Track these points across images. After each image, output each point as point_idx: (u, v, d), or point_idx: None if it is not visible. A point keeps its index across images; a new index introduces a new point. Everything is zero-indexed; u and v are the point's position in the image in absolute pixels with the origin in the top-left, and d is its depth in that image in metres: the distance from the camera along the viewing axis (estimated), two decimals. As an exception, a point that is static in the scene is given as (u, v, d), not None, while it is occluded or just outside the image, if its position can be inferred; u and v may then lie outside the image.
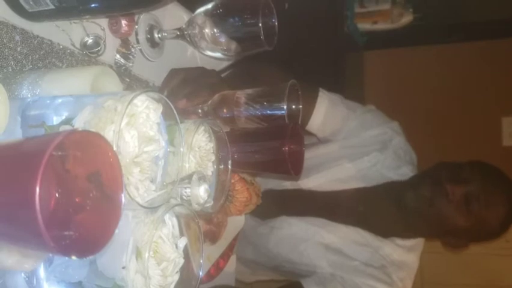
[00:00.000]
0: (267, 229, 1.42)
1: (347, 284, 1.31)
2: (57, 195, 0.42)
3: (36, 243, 0.38)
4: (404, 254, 1.37)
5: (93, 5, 0.68)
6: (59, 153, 0.39)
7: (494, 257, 2.54)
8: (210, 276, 1.15)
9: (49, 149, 0.36)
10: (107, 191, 0.47)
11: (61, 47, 0.78)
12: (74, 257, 0.39)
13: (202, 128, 0.71)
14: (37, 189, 0.36)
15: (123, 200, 0.42)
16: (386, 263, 1.35)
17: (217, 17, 0.92)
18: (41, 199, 0.37)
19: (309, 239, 1.38)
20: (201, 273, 0.66)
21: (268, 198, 1.26)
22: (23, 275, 0.58)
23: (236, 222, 1.22)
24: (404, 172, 1.38)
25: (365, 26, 2.56)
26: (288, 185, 1.44)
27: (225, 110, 0.92)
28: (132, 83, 0.92)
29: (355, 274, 1.32)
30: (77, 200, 0.46)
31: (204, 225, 1.08)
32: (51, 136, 0.37)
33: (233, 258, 1.28)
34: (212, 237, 1.11)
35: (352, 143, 1.40)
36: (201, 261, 0.68)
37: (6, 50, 0.70)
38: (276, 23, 0.92)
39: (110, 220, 0.43)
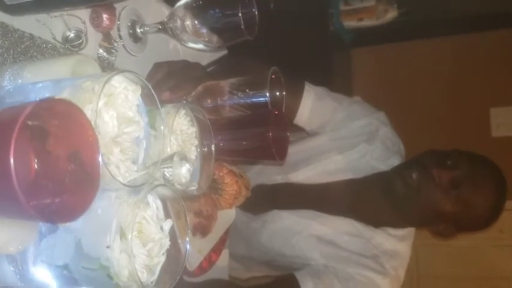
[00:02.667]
0: (259, 223, 1.43)
1: (340, 275, 1.31)
2: (36, 167, 0.43)
3: (19, 210, 0.38)
4: (396, 243, 1.37)
5: (71, -4, 0.69)
6: (36, 122, 0.40)
7: (488, 248, 2.55)
8: (202, 269, 1.16)
9: (23, 115, 0.37)
10: (87, 167, 0.48)
11: (42, 40, 0.79)
12: (57, 223, 0.40)
13: (183, 111, 0.72)
14: (12, 148, 0.36)
15: (100, 163, 0.43)
16: (378, 253, 1.36)
17: (197, 9, 0.93)
18: (19, 168, 0.38)
19: (301, 232, 1.38)
20: (187, 254, 0.67)
21: (259, 193, 1.27)
22: (9, 259, 0.58)
23: (227, 216, 1.23)
24: (393, 163, 1.39)
25: (350, 23, 2.58)
26: (278, 179, 1.45)
27: (209, 100, 0.93)
28: (116, 76, 0.93)
29: (348, 264, 1.33)
30: (57, 177, 0.47)
31: (193, 218, 1.09)
32: (26, 103, 0.38)
33: (225, 253, 1.29)
34: (202, 230, 1.11)
35: (340, 135, 1.41)
36: (188, 246, 0.69)
37: (-13, 43, 0.71)
38: (256, 13, 0.93)
39: (89, 191, 0.44)
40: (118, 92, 0.57)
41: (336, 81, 2.48)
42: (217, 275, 1.23)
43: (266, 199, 1.43)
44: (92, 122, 0.51)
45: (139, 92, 0.59)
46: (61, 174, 0.46)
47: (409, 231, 1.40)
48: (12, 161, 0.35)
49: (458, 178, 1.21)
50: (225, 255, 1.29)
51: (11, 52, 0.74)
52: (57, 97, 0.48)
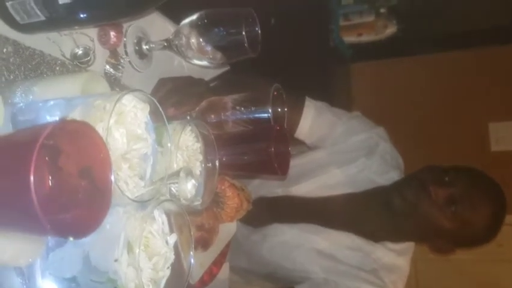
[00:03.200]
0: (259, 237, 1.44)
1: (340, 288, 1.32)
2: (50, 183, 0.45)
3: (34, 225, 0.40)
4: (395, 257, 1.38)
5: (82, 16, 0.71)
6: (51, 142, 0.42)
7: (487, 263, 2.55)
8: (203, 282, 1.17)
9: (42, 136, 0.38)
10: (98, 183, 0.50)
11: (52, 57, 0.81)
12: (70, 238, 0.41)
13: (189, 128, 0.74)
14: (32, 167, 0.38)
15: (113, 180, 0.44)
16: (377, 267, 1.37)
17: (202, 28, 0.96)
18: (36, 183, 0.40)
19: (301, 245, 1.39)
20: (191, 270, 0.69)
21: (259, 206, 1.28)
22: (18, 271, 0.60)
23: (228, 229, 1.24)
24: (392, 177, 1.41)
25: (350, 38, 2.61)
26: (279, 192, 1.46)
27: (212, 116, 0.95)
28: (122, 92, 0.95)
29: (348, 278, 1.34)
30: (69, 194, 0.48)
31: (195, 232, 1.10)
32: (44, 124, 0.40)
33: (226, 266, 1.30)
34: (204, 243, 1.13)
35: (339, 149, 1.43)
36: (192, 260, 0.71)
37: (0, 60, 0.73)
38: (259, 31, 0.96)
39: (101, 207, 0.45)
40: (128, 110, 0.59)
41: (336, 95, 2.50)
42: (218, 287, 1.24)
43: (266, 212, 1.44)
44: (104, 140, 0.53)
45: (148, 110, 0.61)
46: (74, 190, 0.48)
47: (408, 246, 1.41)
48: (32, 179, 0.37)
49: (455, 195, 1.22)
50: (225, 268, 1.30)
51: (22, 69, 0.76)
52: (72, 118, 0.50)
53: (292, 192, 1.45)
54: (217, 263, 1.23)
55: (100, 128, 0.54)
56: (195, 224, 1.10)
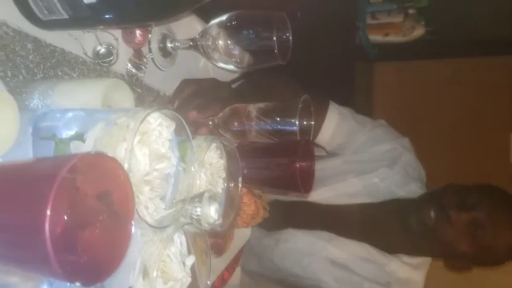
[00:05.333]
0: (272, 241, 1.41)
1: (352, 300, 1.29)
2: (66, 217, 0.41)
3: (43, 268, 0.37)
4: (410, 271, 1.36)
5: (107, 16, 0.67)
6: (71, 176, 0.38)
7: (498, 274, 2.51)
8: (214, 288, 1.14)
9: (61, 173, 0.35)
10: (118, 211, 0.46)
11: (73, 55, 0.77)
12: (78, 284, 0.38)
13: (214, 145, 0.69)
14: (48, 213, 0.35)
15: (133, 227, 0.41)
16: (391, 280, 1.34)
17: (231, 29, 0.91)
18: (51, 222, 0.36)
19: (314, 253, 1.36)
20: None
21: (274, 209, 1.25)
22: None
23: (242, 235, 1.21)
24: (412, 189, 1.37)
25: (376, 37, 2.55)
26: (294, 196, 1.43)
27: (235, 123, 0.91)
28: (143, 93, 0.91)
29: (360, 290, 1.31)
30: (86, 219, 0.45)
31: (210, 238, 1.07)
32: (64, 159, 0.36)
33: (238, 270, 1.27)
34: (218, 249, 1.10)
35: (361, 158, 1.38)
36: (208, 282, 0.67)
37: (18, 58, 0.69)
38: (291, 38, 0.91)
39: (120, 244, 0.42)
40: (153, 128, 0.55)
41: (358, 92, 2.46)
42: (228, 293, 1.22)
43: (281, 216, 1.41)
44: (126, 162, 0.49)
45: (173, 127, 0.57)
46: (91, 218, 0.45)
47: (424, 260, 1.38)
48: (48, 220, 0.33)
49: (476, 220, 1.18)
50: (237, 272, 1.27)
51: (41, 67, 0.72)
52: (96, 152, 0.46)
53: (308, 198, 1.41)
54: (230, 268, 1.20)
55: (122, 149, 0.50)
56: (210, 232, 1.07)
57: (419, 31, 2.51)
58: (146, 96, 0.92)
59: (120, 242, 0.41)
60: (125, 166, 0.49)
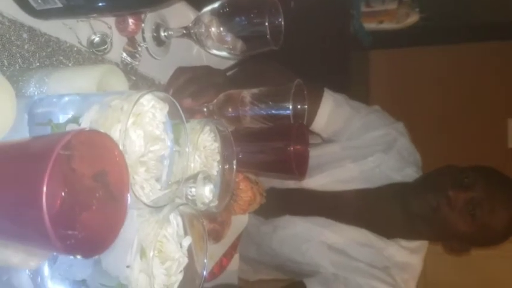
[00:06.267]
0: (270, 228, 1.42)
1: (350, 285, 1.30)
2: (63, 194, 0.42)
3: (43, 243, 0.38)
4: (407, 255, 1.37)
5: (100, 4, 0.68)
6: (66, 152, 0.40)
7: (497, 259, 2.53)
8: (213, 274, 1.16)
9: (56, 149, 0.36)
10: (113, 190, 0.48)
11: (68, 44, 0.78)
12: (79, 257, 0.39)
13: (208, 128, 0.71)
14: (44, 189, 0.36)
15: (129, 200, 0.42)
16: (389, 264, 1.35)
17: (223, 16, 0.92)
18: (48, 198, 0.37)
19: (312, 239, 1.37)
20: (204, 272, 0.66)
21: (271, 197, 1.26)
22: (27, 272, 0.58)
23: (239, 221, 1.22)
24: (408, 173, 1.38)
25: (370, 25, 2.55)
26: (291, 184, 1.44)
27: (230, 109, 0.92)
28: (138, 81, 0.93)
29: (358, 275, 1.32)
30: (83, 199, 0.46)
31: (207, 224, 1.08)
32: (59, 135, 0.37)
33: (236, 257, 1.29)
34: (216, 235, 1.11)
35: (356, 144, 1.40)
36: (205, 260, 0.68)
37: (14, 47, 0.70)
38: (283, 23, 0.92)
39: (115, 220, 0.43)
40: (146, 110, 0.56)
41: (353, 81, 2.46)
42: (227, 279, 1.23)
43: (278, 203, 1.42)
44: (120, 143, 0.50)
45: (166, 109, 0.58)
46: (87, 197, 0.46)
47: (422, 244, 1.39)
48: (44, 196, 0.35)
49: (474, 200, 1.20)
50: (235, 259, 1.29)
51: (37, 56, 0.73)
52: (90, 129, 0.47)
53: (305, 185, 1.42)
54: (228, 254, 1.22)
55: (116, 130, 0.51)
56: (207, 217, 1.08)
57: (413, 18, 2.51)
58: (141, 85, 0.93)
59: (115, 218, 0.43)
60: (120, 147, 0.50)
